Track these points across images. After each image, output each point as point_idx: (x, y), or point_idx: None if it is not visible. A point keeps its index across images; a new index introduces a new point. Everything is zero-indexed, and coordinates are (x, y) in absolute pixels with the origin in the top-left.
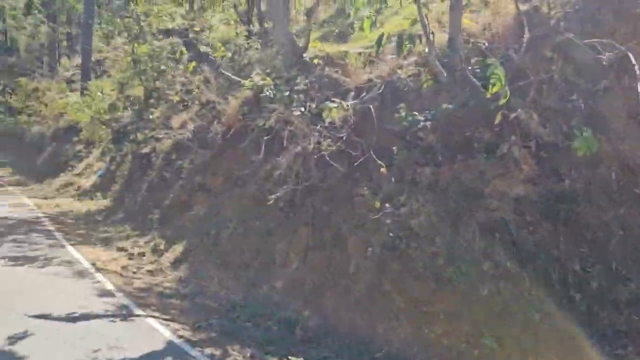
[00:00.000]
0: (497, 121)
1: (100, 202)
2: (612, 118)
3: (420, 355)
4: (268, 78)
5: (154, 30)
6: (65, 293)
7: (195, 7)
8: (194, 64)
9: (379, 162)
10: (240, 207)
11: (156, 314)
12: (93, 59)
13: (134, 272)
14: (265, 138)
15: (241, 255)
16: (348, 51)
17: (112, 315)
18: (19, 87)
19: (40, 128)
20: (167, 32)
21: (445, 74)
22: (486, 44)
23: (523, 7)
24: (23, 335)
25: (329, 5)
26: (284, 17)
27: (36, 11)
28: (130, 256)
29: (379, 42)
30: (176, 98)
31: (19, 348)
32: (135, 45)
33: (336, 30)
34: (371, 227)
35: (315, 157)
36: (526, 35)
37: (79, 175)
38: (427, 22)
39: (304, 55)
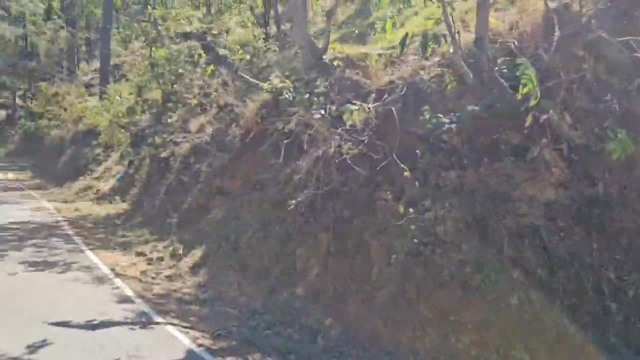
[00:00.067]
0: (527, 123)
1: (119, 206)
2: None
3: None
4: (287, 80)
5: (171, 34)
6: (84, 299)
7: (213, 10)
8: (212, 67)
9: (402, 165)
10: (259, 211)
11: (175, 321)
12: (111, 63)
13: (153, 278)
14: (285, 141)
15: (261, 260)
16: (368, 52)
17: (132, 323)
18: (39, 92)
19: (60, 132)
20: (185, 36)
21: (472, 75)
22: (516, 43)
23: (552, 5)
24: (42, 344)
25: (347, 6)
26: (302, 18)
27: (56, 16)
28: (149, 261)
29: (402, 43)
30: (194, 101)
31: (39, 357)
32: (153, 49)
33: (356, 31)
34: (394, 232)
35: (336, 160)
36: (557, 34)
37: (97, 178)
38: (452, 21)
39: (324, 57)
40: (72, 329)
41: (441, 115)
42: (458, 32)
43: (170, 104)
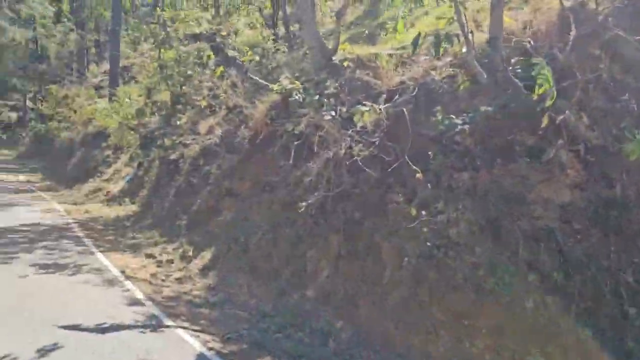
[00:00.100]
0: (544, 124)
1: (128, 208)
2: None
3: None
4: (297, 82)
5: (180, 35)
6: (94, 302)
7: (221, 11)
8: (221, 68)
9: (414, 167)
10: (269, 213)
11: (186, 325)
12: (120, 65)
13: (163, 280)
14: (294, 143)
15: (270, 262)
16: (379, 53)
17: (142, 326)
18: (50, 94)
19: (70, 134)
20: (195, 37)
21: (485, 75)
22: (531, 43)
23: (568, 3)
24: (53, 348)
25: (355, 7)
26: (311, 19)
27: (65, 19)
28: (159, 263)
29: (415, 42)
30: (203, 103)
31: None
32: (162, 50)
33: (366, 32)
34: (406, 235)
35: (347, 162)
36: (573, 33)
37: (107, 180)
38: (465, 21)
39: (334, 57)
40: (82, 332)
41: (454, 116)
42: (472, 31)
43: (179, 106)
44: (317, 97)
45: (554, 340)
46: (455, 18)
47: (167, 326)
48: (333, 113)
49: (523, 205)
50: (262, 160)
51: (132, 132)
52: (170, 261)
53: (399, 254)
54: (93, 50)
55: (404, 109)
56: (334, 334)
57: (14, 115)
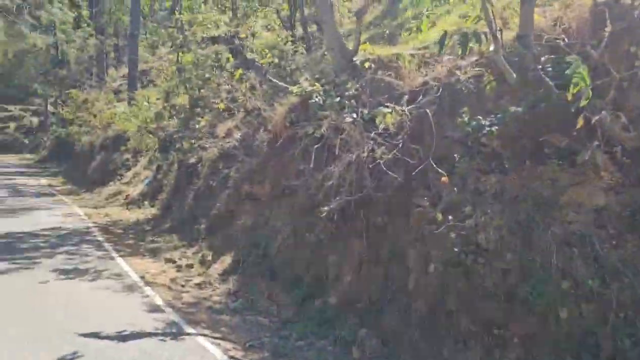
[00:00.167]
0: (579, 125)
1: (147, 211)
2: None
3: None
4: (317, 84)
5: (198, 38)
6: (114, 309)
7: (239, 14)
8: (240, 71)
9: (439, 170)
10: (289, 217)
11: (206, 332)
12: (139, 69)
13: (183, 286)
14: (315, 146)
15: (291, 267)
16: (401, 53)
17: (162, 334)
18: (70, 99)
19: (90, 138)
20: (213, 40)
21: (515, 75)
22: (565, 40)
23: None
24: (72, 357)
25: (374, 7)
26: (331, 19)
27: (85, 24)
28: (179, 268)
29: (441, 42)
30: (221, 106)
31: None
32: (180, 54)
33: (387, 32)
34: (432, 240)
35: (369, 166)
36: (608, 29)
37: (127, 183)
38: (493, 19)
39: (354, 58)
40: (102, 341)
41: (481, 117)
42: (500, 29)
43: (197, 109)
44: (337, 99)
45: (591, 351)
46: (482, 16)
47: (188, 334)
48: (354, 115)
49: (555, 210)
50: (281, 163)
51: (150, 135)
52: (190, 266)
53: (424, 260)
54: (112, 54)
55: (428, 110)
56: (357, 343)
57: (35, 120)
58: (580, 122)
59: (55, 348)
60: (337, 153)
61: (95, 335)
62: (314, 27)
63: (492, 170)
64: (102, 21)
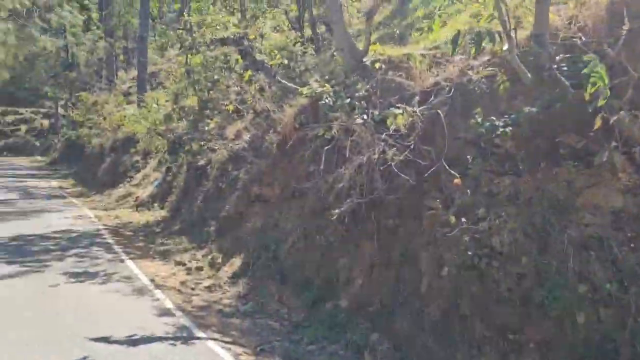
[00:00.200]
0: (596, 125)
1: (157, 213)
2: None
3: None
4: (327, 85)
5: (206, 40)
6: (124, 312)
7: (248, 15)
8: (249, 72)
9: (452, 172)
10: (299, 219)
11: (217, 336)
12: (148, 71)
13: (193, 289)
14: (325, 148)
15: (302, 270)
16: (411, 53)
17: (173, 338)
18: (80, 101)
19: (100, 140)
20: (222, 42)
21: (529, 74)
22: (582, 38)
23: None
24: None
25: (383, 7)
26: (340, 20)
27: (95, 27)
28: (188, 271)
29: (455, 41)
30: (230, 108)
31: None
32: (189, 56)
33: (397, 32)
34: (445, 243)
35: (380, 167)
36: (625, 27)
37: (136, 185)
38: (507, 17)
39: (364, 59)
40: (112, 345)
41: (494, 118)
42: (515, 28)
43: (207, 111)
44: (348, 100)
45: (609, 357)
46: (495, 15)
47: (198, 338)
48: (365, 116)
49: (571, 212)
50: (291, 165)
51: (160, 137)
52: (200, 268)
53: (437, 263)
54: (122, 57)
55: (439, 111)
56: (369, 347)
57: (46, 123)
58: (598, 122)
59: (66, 352)
60: (347, 155)
61: (106, 340)
62: (323, 28)
63: (505, 171)
64: (111, 24)
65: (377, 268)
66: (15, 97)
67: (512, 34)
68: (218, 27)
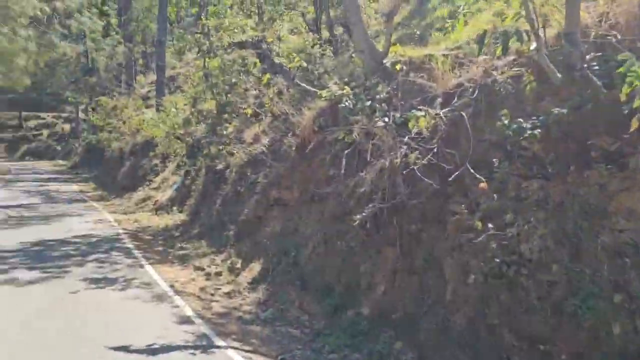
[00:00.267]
0: (633, 127)
1: (176, 217)
2: None
3: None
4: (346, 87)
5: (224, 43)
6: (144, 320)
7: (265, 18)
8: (267, 76)
9: (477, 175)
10: (319, 224)
11: (237, 345)
12: (167, 75)
13: (212, 295)
14: (345, 152)
15: (322, 276)
16: (433, 54)
17: (192, 347)
18: (100, 106)
19: (120, 144)
20: (240, 45)
21: (559, 74)
22: (618, 36)
23: None
24: None
25: (402, 7)
26: (359, 21)
27: (114, 32)
28: (208, 276)
29: (481, 41)
30: (249, 111)
31: None
32: (207, 59)
33: (417, 32)
34: (470, 249)
35: (403, 172)
36: None
37: (156, 189)
38: (534, 16)
39: (384, 60)
40: (132, 354)
41: (521, 120)
42: (543, 27)
43: (225, 115)
44: (368, 102)
45: None
46: (522, 13)
47: (218, 347)
48: (386, 119)
49: (604, 217)
50: (310, 169)
51: (178, 141)
52: (219, 274)
53: (462, 270)
54: (140, 61)
55: (463, 113)
56: (393, 357)
57: (67, 127)
58: (635, 124)
59: None
60: (368, 159)
61: (125, 349)
62: (340, 30)
63: (534, 175)
64: (130, 29)
65: (400, 274)
66: (38, 103)
67: (541, 32)
68: (235, 31)
